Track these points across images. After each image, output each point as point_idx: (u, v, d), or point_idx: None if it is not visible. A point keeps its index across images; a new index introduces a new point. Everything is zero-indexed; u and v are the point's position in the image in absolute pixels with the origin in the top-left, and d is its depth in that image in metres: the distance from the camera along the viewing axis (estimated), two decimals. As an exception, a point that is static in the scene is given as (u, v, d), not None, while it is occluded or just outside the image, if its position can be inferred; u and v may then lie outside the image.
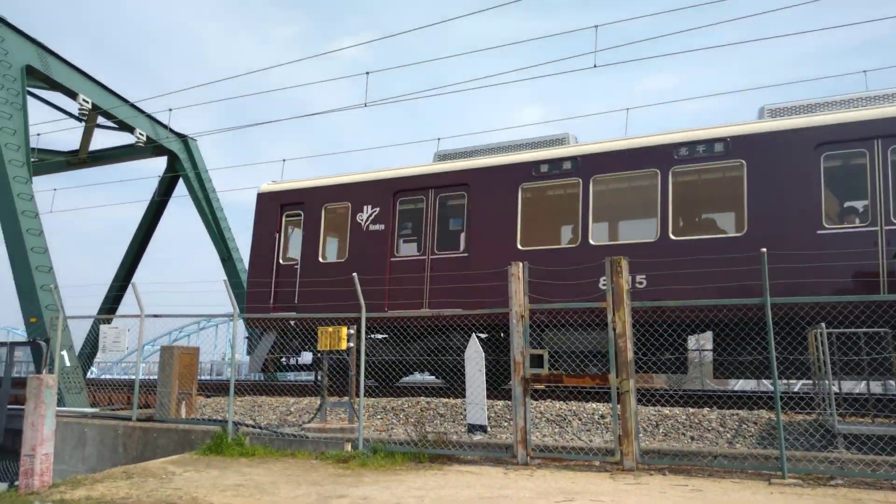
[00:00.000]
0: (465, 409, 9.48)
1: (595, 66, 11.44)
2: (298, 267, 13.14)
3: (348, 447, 8.69)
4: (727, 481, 6.72)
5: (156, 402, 10.64)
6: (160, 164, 21.36)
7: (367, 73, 13.33)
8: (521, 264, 7.88)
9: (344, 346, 9.76)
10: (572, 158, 11.10)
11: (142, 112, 19.52)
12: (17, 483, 11.09)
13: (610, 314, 7.49)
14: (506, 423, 9.28)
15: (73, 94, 17.21)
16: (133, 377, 11.68)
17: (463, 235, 12.07)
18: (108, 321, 11.55)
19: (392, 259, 12.33)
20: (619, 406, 7.36)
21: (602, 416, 8.97)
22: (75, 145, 20.90)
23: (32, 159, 14.96)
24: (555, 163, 11.21)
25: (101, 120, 19.09)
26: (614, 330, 7.44)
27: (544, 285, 8.95)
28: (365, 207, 12.77)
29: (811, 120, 9.79)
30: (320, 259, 13.06)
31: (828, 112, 9.94)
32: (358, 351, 9.41)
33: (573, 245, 10.94)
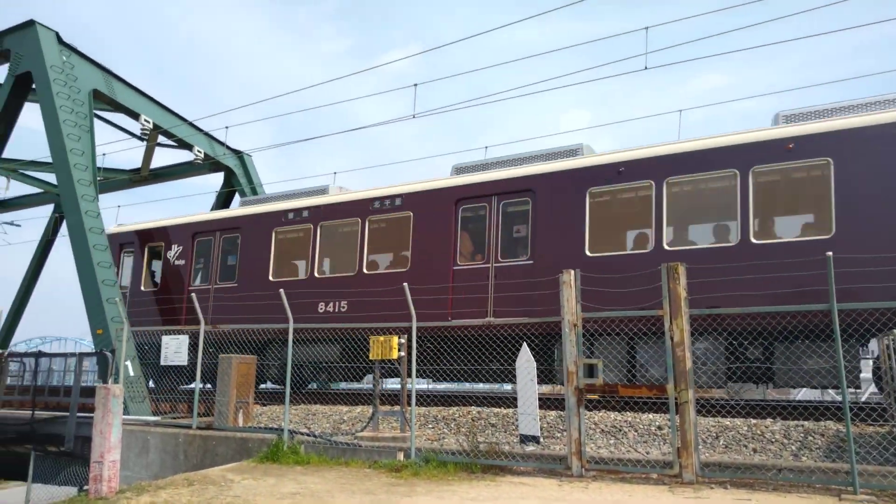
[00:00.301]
0: (516, 420, 9.39)
1: (646, 67, 11.23)
2: (127, 293, 16.41)
3: (401, 456, 8.72)
4: (793, 496, 6.42)
5: (215, 411, 10.93)
6: (217, 179, 22.10)
7: (415, 84, 13.46)
8: (572, 272, 7.77)
9: (395, 355, 9.82)
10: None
11: (200, 130, 20.24)
12: (85, 487, 11.56)
13: (667, 322, 7.30)
14: (559, 434, 9.14)
15: (135, 115, 18.01)
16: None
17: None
18: (170, 332, 11.96)
19: (190, 288, 15.13)
20: (677, 417, 7.15)
21: (659, 428, 8.73)
22: (138, 163, 21.87)
23: (98, 178, 15.69)
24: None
25: (161, 139, 19.90)
26: (672, 339, 7.24)
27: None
28: (173, 246, 16.02)
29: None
30: (142, 287, 16.33)
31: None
32: (409, 360, 9.45)
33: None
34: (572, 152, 11.85)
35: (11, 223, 26.59)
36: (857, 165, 9.16)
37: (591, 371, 7.56)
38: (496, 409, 10.26)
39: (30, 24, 15.49)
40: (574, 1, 11.90)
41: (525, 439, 8.66)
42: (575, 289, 7.70)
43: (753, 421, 8.52)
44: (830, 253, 6.85)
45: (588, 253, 10.85)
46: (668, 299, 7.32)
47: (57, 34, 15.68)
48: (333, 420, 11.21)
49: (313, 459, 9.14)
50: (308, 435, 9.89)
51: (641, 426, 8.86)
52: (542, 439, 8.86)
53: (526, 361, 8.59)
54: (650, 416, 9.15)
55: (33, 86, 15.53)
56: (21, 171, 23.98)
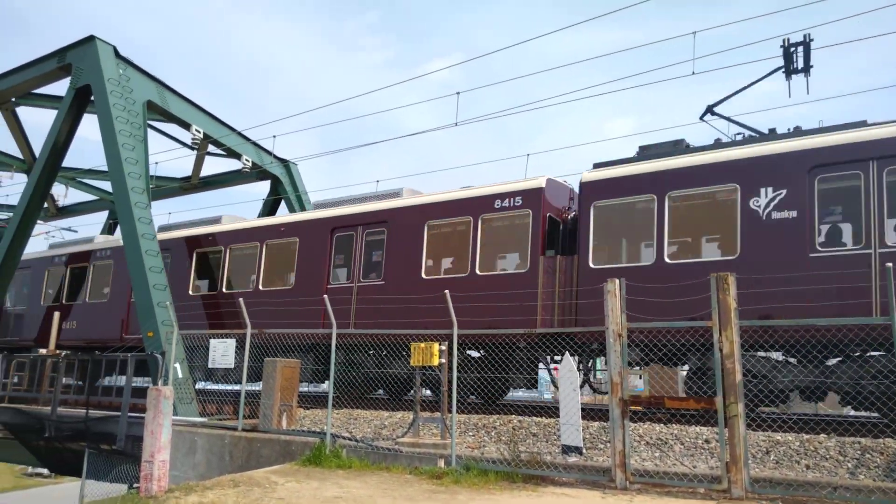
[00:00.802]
0: (558, 429, 9.28)
1: (693, 73, 11.03)
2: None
3: (441, 463, 8.71)
4: (851, 517, 6.16)
5: (259, 414, 11.13)
6: (264, 187, 22.63)
7: (458, 92, 13.55)
8: (617, 281, 7.65)
9: (436, 361, 9.84)
10: None
11: (247, 140, 20.78)
12: (136, 485, 11.92)
13: (716, 333, 7.11)
14: (602, 446, 8.99)
15: (186, 126, 18.62)
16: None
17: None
18: (218, 336, 12.26)
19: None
20: (726, 430, 6.95)
21: (706, 441, 8.49)
22: (188, 172, 22.58)
23: (151, 186, 16.25)
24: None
25: (211, 148, 20.52)
26: (721, 350, 7.06)
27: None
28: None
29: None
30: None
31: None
32: (450, 367, 9.46)
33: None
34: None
35: (69, 228, 27.81)
36: None
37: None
38: (537, 419, 10.17)
39: (90, 39, 16.19)
40: (619, 7, 11.80)
41: (567, 450, 8.55)
42: (620, 298, 7.58)
43: (806, 436, 8.22)
44: (891, 265, 6.56)
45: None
46: (718, 310, 7.13)
47: (114, 48, 16.34)
48: (374, 425, 11.29)
49: (355, 464, 9.22)
50: (350, 439, 9.98)
51: (688, 439, 8.64)
52: (584, 450, 8.73)
53: (568, 371, 8.50)
54: (697, 428, 8.92)
55: (91, 98, 16.21)
56: (79, 179, 25.06)
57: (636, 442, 8.74)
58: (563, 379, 8.56)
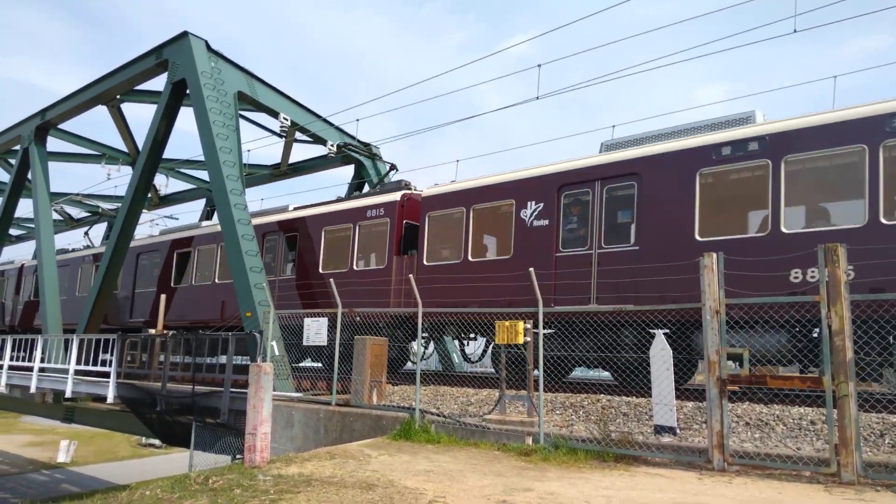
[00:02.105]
0: (650, 409, 9.05)
1: (795, 31, 10.26)
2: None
3: (529, 441, 8.72)
4: (983, 507, 5.66)
5: (351, 389, 11.52)
6: (348, 171, 23.19)
7: (539, 65, 13.25)
8: (714, 255, 7.31)
9: (521, 340, 9.81)
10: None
11: (332, 125, 21.32)
12: (239, 457, 12.65)
13: (824, 309, 6.67)
14: (696, 426, 8.69)
15: (275, 114, 19.30)
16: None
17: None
18: (312, 315, 12.76)
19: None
20: (834, 411, 6.54)
21: (812, 422, 8.03)
22: (276, 159, 23.47)
23: (244, 173, 17.00)
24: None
25: (297, 135, 21.20)
26: (830, 326, 6.62)
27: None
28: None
29: None
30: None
31: None
32: (536, 346, 9.41)
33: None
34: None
35: (170, 216, 29.64)
36: None
37: (735, 361, 7.09)
38: (627, 398, 9.95)
39: (183, 35, 17.03)
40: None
41: (660, 430, 8.32)
42: (717, 273, 7.24)
43: (927, 420, 7.61)
44: None
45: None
46: (826, 284, 6.68)
47: (206, 42, 17.11)
48: (461, 402, 11.42)
49: (443, 439, 9.38)
50: (438, 415, 10.16)
51: (791, 420, 8.20)
52: (678, 430, 8.47)
53: (661, 350, 8.24)
54: (801, 409, 8.44)
55: (187, 91, 17.08)
56: (178, 169, 26.61)
57: (734, 422, 8.39)
58: (655, 358, 8.31)
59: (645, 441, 8.11)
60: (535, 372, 9.44)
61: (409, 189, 15.80)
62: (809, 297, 6.94)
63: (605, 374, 14.05)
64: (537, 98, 13.67)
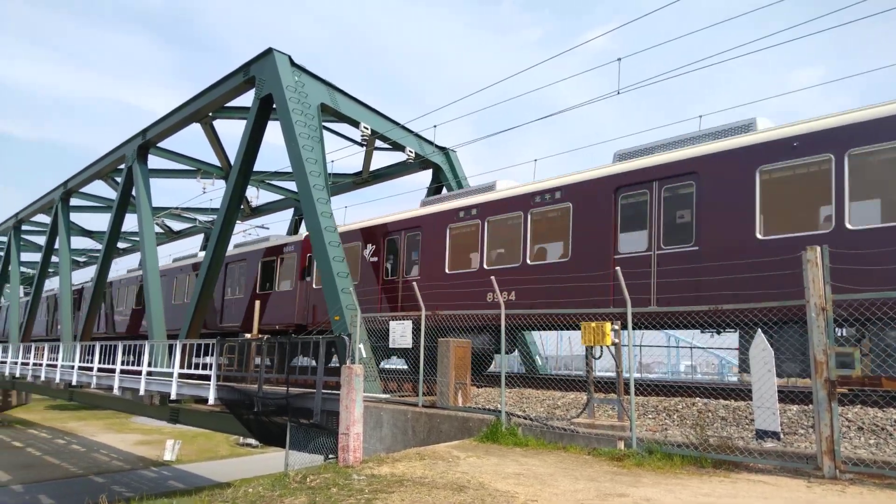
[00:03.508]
0: (750, 413, 8.60)
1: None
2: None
3: (621, 445, 8.49)
4: None
5: (437, 391, 11.63)
6: (426, 176, 23.51)
7: (619, 59, 12.91)
8: (818, 248, 6.86)
9: (608, 341, 9.57)
10: None
11: (410, 132, 21.68)
12: (331, 456, 13.03)
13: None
14: (802, 431, 8.18)
15: (355, 123, 19.84)
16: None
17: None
18: (396, 318, 12.99)
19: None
20: (964, 417, 5.97)
21: (937, 430, 7.38)
22: (357, 168, 24.09)
23: (329, 182, 17.57)
24: None
25: (377, 143, 21.70)
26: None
27: None
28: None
29: None
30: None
31: None
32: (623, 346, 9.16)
33: None
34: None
35: (262, 226, 31.03)
36: None
37: (846, 361, 6.62)
38: (724, 402, 9.51)
39: (268, 51, 17.83)
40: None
41: (762, 434, 7.89)
42: (822, 268, 6.79)
43: None
44: None
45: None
46: (948, 277, 6.13)
47: (289, 57, 17.83)
48: (547, 405, 11.28)
49: (531, 442, 9.30)
50: (524, 418, 10.08)
51: (911, 427, 7.57)
52: (782, 435, 8.00)
53: (762, 350, 7.80)
54: (923, 415, 7.78)
55: (273, 105, 17.85)
56: (267, 181, 27.83)
57: (845, 427, 7.84)
58: (755, 359, 7.89)
59: (746, 446, 7.71)
60: (626, 375, 9.19)
61: None
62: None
63: (699, 376, 13.51)
64: (618, 93, 13.32)
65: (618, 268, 9.12)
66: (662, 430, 9.11)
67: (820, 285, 6.85)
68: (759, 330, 7.93)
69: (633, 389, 8.72)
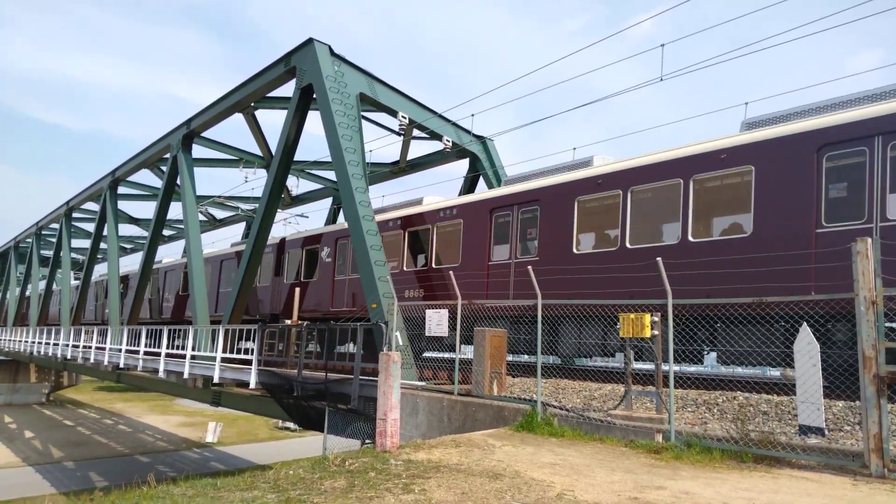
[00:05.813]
0: (793, 408, 8.41)
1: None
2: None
3: (658, 438, 8.41)
4: None
5: (472, 380, 11.70)
6: (463, 165, 23.48)
7: (663, 45, 12.66)
8: (868, 240, 6.64)
9: (648, 333, 9.46)
10: None
11: (447, 121, 21.67)
12: (368, 442, 13.23)
13: None
14: (848, 427, 7.96)
15: (394, 113, 19.92)
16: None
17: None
18: (433, 307, 13.09)
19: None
20: None
21: None
22: (395, 157, 24.21)
23: (367, 171, 17.71)
24: None
25: (415, 132, 21.76)
26: None
27: None
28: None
29: None
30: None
31: None
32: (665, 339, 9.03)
33: None
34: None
35: (302, 215, 31.51)
36: None
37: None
38: (767, 396, 9.32)
39: (309, 42, 18.00)
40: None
41: (806, 430, 7.71)
42: (872, 260, 6.58)
43: None
44: None
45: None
46: None
47: (329, 47, 17.97)
48: (583, 396, 11.23)
49: (567, 433, 9.28)
50: (560, 408, 10.06)
51: (966, 426, 7.29)
52: (826, 431, 7.81)
53: (807, 344, 7.61)
54: (978, 415, 7.48)
55: (314, 95, 18.04)
56: (307, 170, 28.21)
57: (894, 425, 7.60)
58: (800, 353, 7.70)
59: (789, 442, 7.55)
60: (664, 367, 9.08)
61: None
62: None
63: (739, 370, 13.24)
64: (661, 79, 13.06)
65: (658, 258, 8.98)
66: (702, 424, 8.98)
67: (870, 278, 6.63)
68: (805, 324, 7.73)
69: (672, 382, 8.61)
